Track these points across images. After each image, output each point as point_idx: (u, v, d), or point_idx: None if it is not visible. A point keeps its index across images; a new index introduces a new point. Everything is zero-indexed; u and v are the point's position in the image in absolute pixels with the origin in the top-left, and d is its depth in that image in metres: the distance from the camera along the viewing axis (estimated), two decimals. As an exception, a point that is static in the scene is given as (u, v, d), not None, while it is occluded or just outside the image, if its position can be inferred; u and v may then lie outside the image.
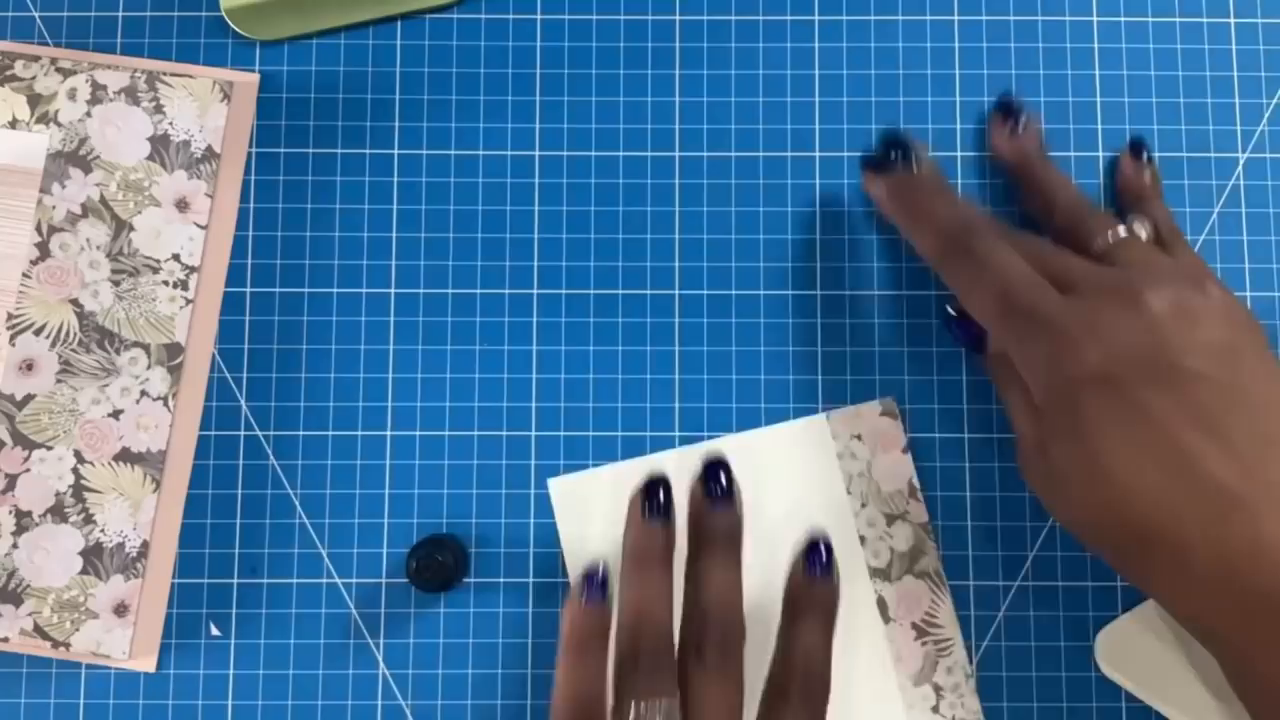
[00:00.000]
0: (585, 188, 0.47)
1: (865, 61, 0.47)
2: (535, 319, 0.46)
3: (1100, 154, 0.47)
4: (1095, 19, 0.48)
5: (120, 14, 0.47)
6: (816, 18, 0.48)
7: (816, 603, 0.39)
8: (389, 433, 0.46)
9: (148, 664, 0.44)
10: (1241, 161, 0.47)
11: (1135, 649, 0.44)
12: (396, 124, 0.47)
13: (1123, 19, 0.48)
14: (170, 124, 0.45)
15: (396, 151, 0.47)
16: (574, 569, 0.45)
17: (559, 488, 0.45)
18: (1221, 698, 0.44)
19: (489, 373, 0.46)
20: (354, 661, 0.45)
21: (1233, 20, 0.48)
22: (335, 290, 0.46)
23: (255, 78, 0.47)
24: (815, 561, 0.39)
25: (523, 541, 0.45)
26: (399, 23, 0.48)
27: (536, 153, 0.47)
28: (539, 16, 0.48)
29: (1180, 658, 0.44)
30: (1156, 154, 0.47)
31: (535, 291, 0.46)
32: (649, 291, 0.47)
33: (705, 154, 0.47)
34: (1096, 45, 0.48)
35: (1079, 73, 0.47)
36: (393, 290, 0.46)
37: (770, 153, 0.47)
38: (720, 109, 0.47)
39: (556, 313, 0.46)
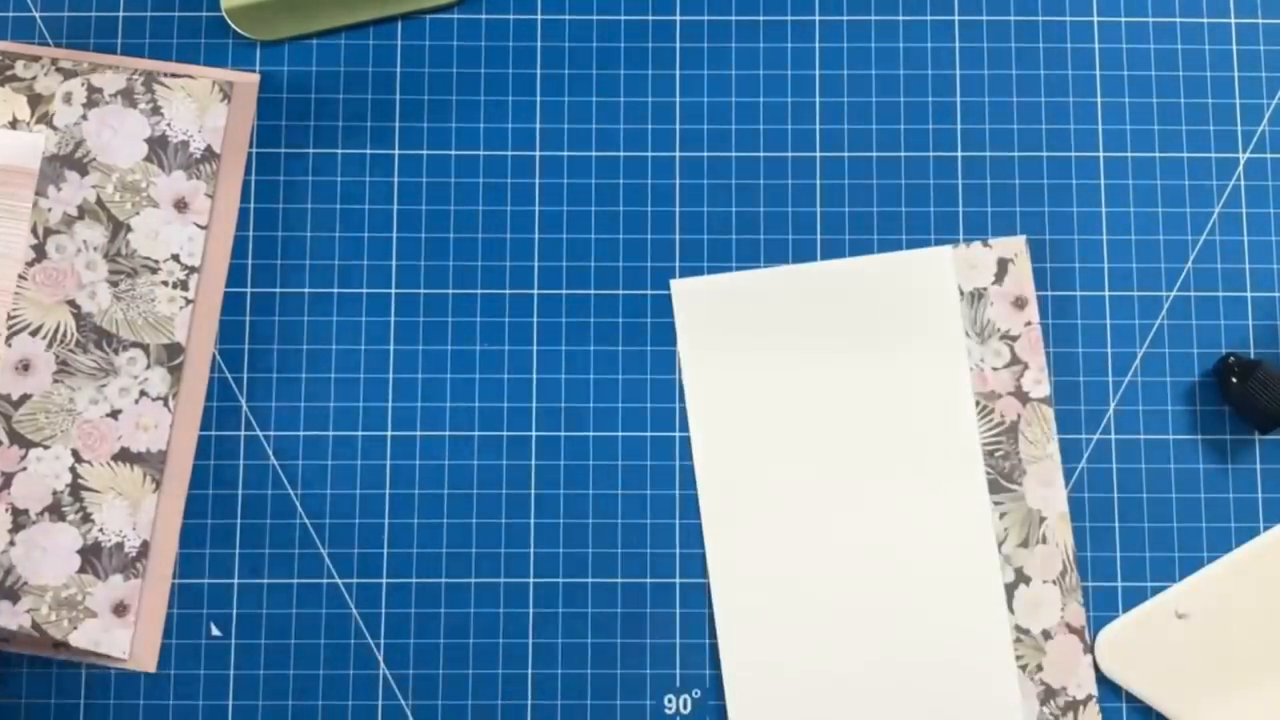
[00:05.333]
0: (585, 188, 0.47)
1: (866, 61, 0.47)
2: (535, 319, 0.46)
3: (1100, 154, 0.47)
4: (1095, 19, 0.48)
5: (120, 14, 0.47)
6: (817, 18, 0.48)
7: None
8: (389, 433, 0.46)
9: (148, 664, 0.44)
10: (1241, 162, 0.47)
11: (1135, 649, 0.44)
12: (397, 124, 0.47)
13: (1123, 19, 0.48)
14: (168, 125, 0.45)
15: (397, 152, 0.47)
16: (689, 371, 0.45)
17: (681, 289, 0.46)
18: (1220, 698, 0.44)
19: (489, 373, 0.46)
20: (354, 661, 0.45)
21: (1233, 21, 0.48)
22: (335, 290, 0.46)
23: (255, 78, 0.47)
24: None
25: (523, 542, 0.45)
26: (399, 23, 0.48)
27: (537, 153, 0.47)
28: (539, 16, 0.48)
29: (1180, 658, 0.44)
30: (1157, 154, 0.47)
31: (535, 292, 0.46)
32: (649, 292, 0.47)
33: (706, 154, 0.47)
34: (1097, 45, 0.48)
35: (1079, 73, 0.47)
36: (393, 290, 0.46)
37: (771, 153, 0.47)
38: (721, 109, 0.47)
39: (557, 313, 0.46)
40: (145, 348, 0.45)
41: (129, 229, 0.45)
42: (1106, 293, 0.46)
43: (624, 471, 0.46)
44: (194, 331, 0.45)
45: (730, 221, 0.47)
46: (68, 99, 0.45)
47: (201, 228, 0.45)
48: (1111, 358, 0.46)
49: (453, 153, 0.47)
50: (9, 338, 0.44)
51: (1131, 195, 0.47)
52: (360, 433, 0.46)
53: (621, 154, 0.47)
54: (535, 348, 0.46)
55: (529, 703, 0.45)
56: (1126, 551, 0.45)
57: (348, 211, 0.47)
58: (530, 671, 0.45)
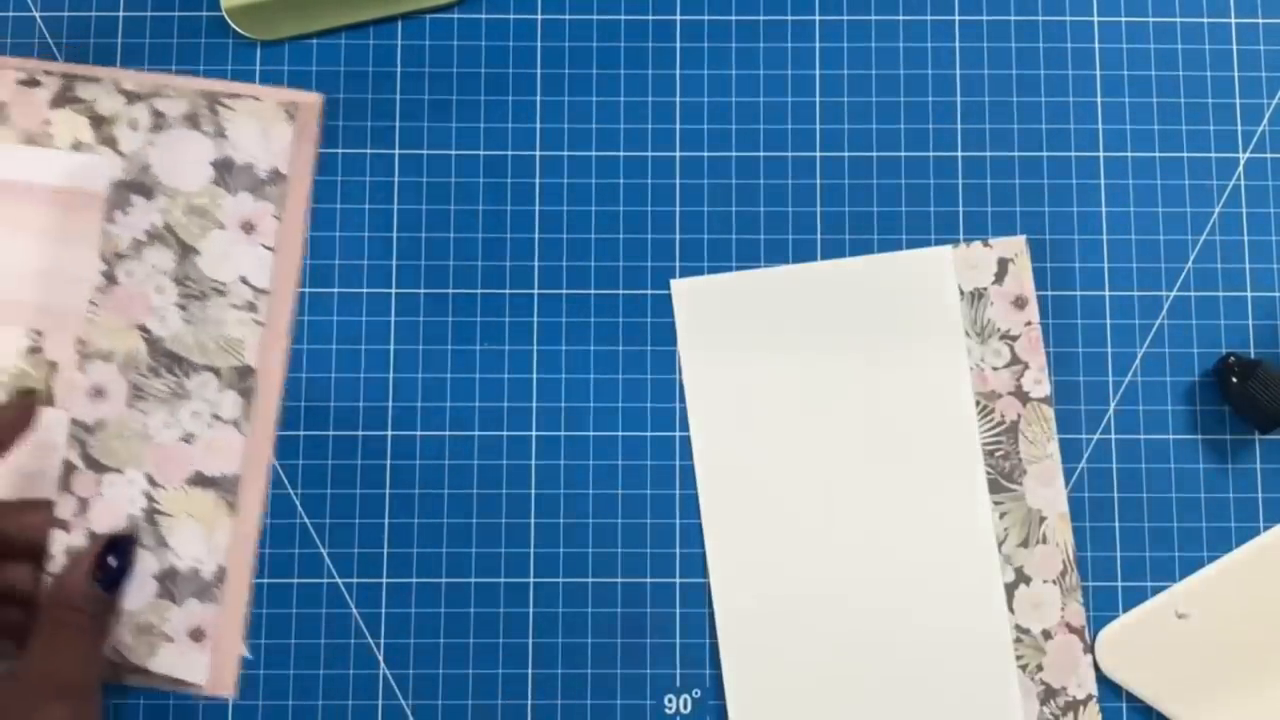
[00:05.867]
0: (585, 188, 0.47)
1: (866, 61, 0.47)
2: (535, 319, 0.46)
3: (1101, 154, 0.47)
4: (1095, 19, 0.48)
5: (120, 14, 0.47)
6: (817, 18, 0.48)
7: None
8: (389, 433, 0.46)
9: (227, 689, 0.44)
10: (1242, 162, 0.47)
11: (1135, 649, 0.44)
12: (397, 124, 0.47)
13: (1123, 19, 0.48)
14: (233, 147, 0.45)
15: (397, 151, 0.47)
16: (689, 372, 0.45)
17: (681, 289, 0.46)
18: (1220, 698, 0.44)
19: (489, 373, 0.46)
20: (354, 661, 0.45)
21: (1233, 20, 0.48)
22: (336, 290, 0.46)
23: (318, 98, 0.46)
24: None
25: (523, 542, 0.45)
26: (399, 23, 0.48)
27: (537, 153, 0.47)
28: (539, 16, 0.48)
29: (1180, 658, 0.44)
30: (1157, 154, 0.47)
31: (535, 292, 0.46)
32: (649, 292, 0.47)
33: (706, 154, 0.47)
34: (1097, 45, 0.48)
35: (1079, 73, 0.47)
36: (393, 290, 0.46)
37: (771, 153, 0.47)
38: (721, 109, 0.47)
39: (557, 313, 0.46)
40: (217, 371, 0.44)
41: (197, 252, 0.45)
42: (1106, 293, 0.46)
43: (624, 471, 0.46)
44: (264, 354, 0.45)
45: (730, 221, 0.47)
46: (133, 125, 0.44)
47: (269, 249, 0.45)
48: (1111, 358, 0.46)
49: (453, 153, 0.47)
50: (82, 363, 0.44)
51: (1131, 195, 0.47)
52: (360, 433, 0.46)
53: (621, 154, 0.47)
54: (535, 348, 0.46)
55: (529, 703, 0.45)
56: (1126, 551, 0.45)
57: (348, 211, 0.47)
58: (530, 671, 0.45)
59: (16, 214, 0.45)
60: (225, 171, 0.45)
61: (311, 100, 0.46)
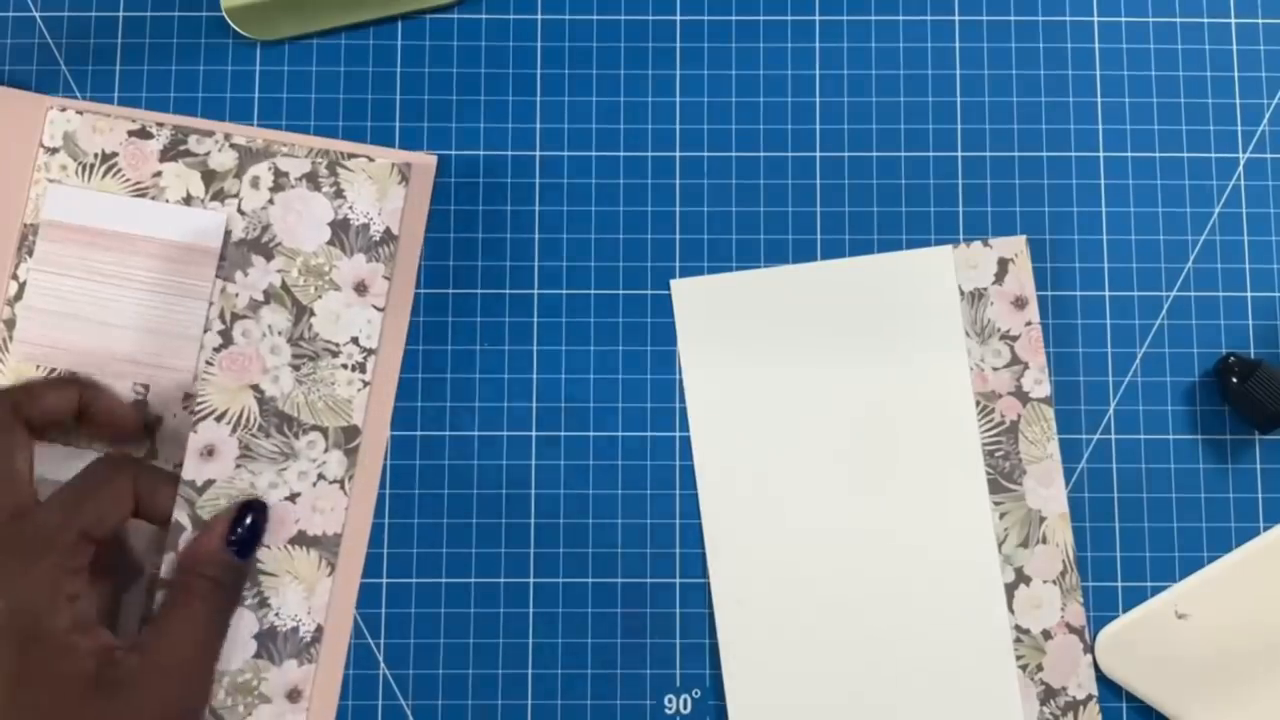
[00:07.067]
0: (585, 188, 0.47)
1: (866, 61, 0.47)
2: (535, 319, 0.46)
3: (1101, 154, 0.47)
4: (1095, 19, 0.48)
5: (120, 14, 0.47)
6: (817, 18, 0.48)
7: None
8: (390, 433, 0.46)
9: None
10: (1242, 162, 0.47)
11: (1135, 649, 0.44)
12: (397, 124, 0.47)
13: (1123, 19, 0.48)
14: (350, 208, 0.45)
15: (397, 151, 0.47)
16: (689, 372, 0.45)
17: (681, 289, 0.46)
18: (1220, 698, 0.44)
19: (489, 373, 0.46)
20: (354, 662, 0.45)
21: (1233, 20, 0.48)
22: (335, 290, 0.46)
23: (432, 159, 0.46)
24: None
25: (523, 542, 0.45)
26: (399, 23, 0.48)
27: (538, 153, 0.47)
28: (539, 16, 0.48)
29: (1180, 658, 0.44)
30: (1157, 154, 0.47)
31: (535, 292, 0.46)
32: (649, 292, 0.47)
33: (705, 154, 0.47)
34: (1097, 45, 0.48)
35: (1079, 73, 0.47)
36: (393, 290, 0.46)
37: (770, 153, 0.47)
38: (721, 109, 0.47)
39: (557, 313, 0.46)
40: (324, 431, 0.44)
41: (312, 313, 0.45)
42: (1106, 293, 0.46)
43: (624, 471, 0.46)
44: (370, 414, 0.45)
45: (730, 221, 0.47)
46: (255, 183, 0.45)
47: (379, 310, 0.45)
48: (1111, 358, 0.46)
49: (453, 153, 0.47)
50: (195, 424, 0.44)
51: (1131, 195, 0.47)
52: (360, 433, 0.46)
53: (621, 154, 0.47)
54: (535, 348, 0.46)
55: (529, 703, 0.45)
56: (1126, 551, 0.45)
57: (348, 211, 0.47)
58: (530, 671, 0.45)
59: (127, 267, 0.45)
60: (342, 231, 0.45)
61: (425, 161, 0.46)
